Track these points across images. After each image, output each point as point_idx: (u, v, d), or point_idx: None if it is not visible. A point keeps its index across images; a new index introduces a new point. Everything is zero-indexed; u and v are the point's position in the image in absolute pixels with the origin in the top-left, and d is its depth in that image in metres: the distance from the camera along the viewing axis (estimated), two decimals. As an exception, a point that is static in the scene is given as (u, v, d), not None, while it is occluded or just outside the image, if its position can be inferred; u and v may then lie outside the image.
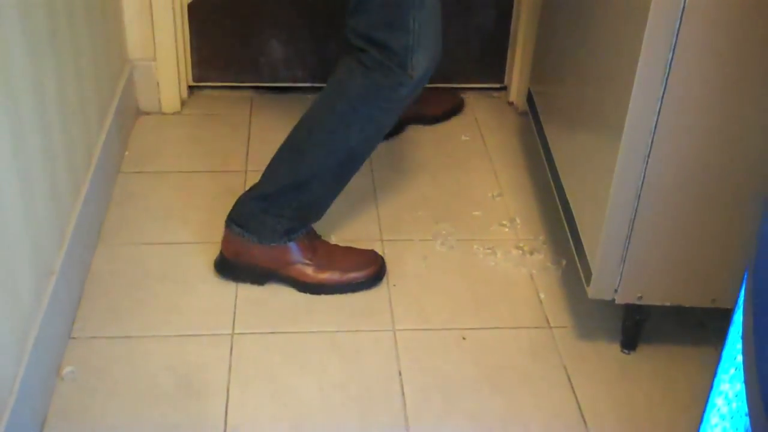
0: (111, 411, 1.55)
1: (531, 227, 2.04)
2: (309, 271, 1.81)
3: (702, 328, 1.77)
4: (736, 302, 0.92)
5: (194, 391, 1.59)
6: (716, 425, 0.91)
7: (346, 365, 1.66)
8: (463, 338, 1.74)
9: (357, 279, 1.83)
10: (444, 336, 1.74)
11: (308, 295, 1.82)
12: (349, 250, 1.87)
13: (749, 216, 1.52)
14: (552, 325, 1.78)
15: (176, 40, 2.34)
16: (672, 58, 1.40)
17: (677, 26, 1.38)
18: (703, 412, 0.97)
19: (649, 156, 1.48)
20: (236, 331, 1.73)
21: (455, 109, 2.45)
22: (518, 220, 2.06)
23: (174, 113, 2.42)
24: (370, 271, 1.84)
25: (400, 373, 1.65)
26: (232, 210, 1.83)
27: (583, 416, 1.59)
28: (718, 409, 0.91)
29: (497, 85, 2.56)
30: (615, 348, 1.73)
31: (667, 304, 1.63)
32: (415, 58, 1.61)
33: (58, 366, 1.61)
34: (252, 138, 2.33)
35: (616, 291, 1.62)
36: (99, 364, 1.64)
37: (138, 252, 1.91)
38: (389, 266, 1.90)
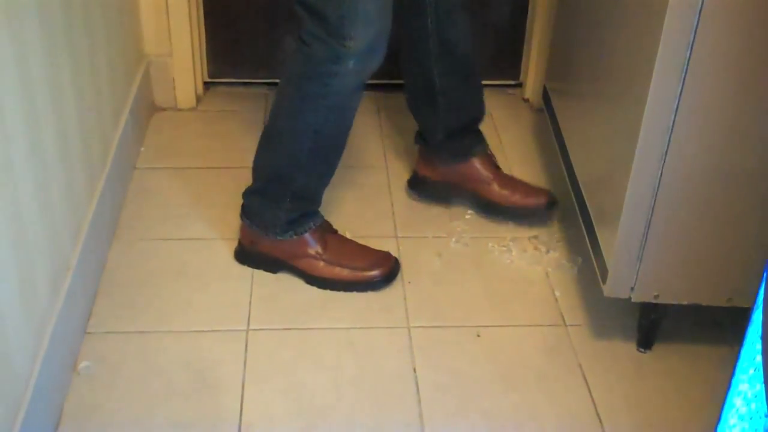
0: (126, 406, 1.55)
1: (546, 225, 2.03)
2: (319, 265, 1.81)
3: (718, 327, 1.76)
4: (753, 301, 0.91)
5: (209, 386, 1.60)
6: (734, 426, 0.91)
7: (360, 362, 1.66)
8: (478, 336, 1.74)
9: (366, 278, 1.82)
10: (459, 333, 1.74)
11: (323, 292, 1.82)
12: (363, 248, 1.86)
13: (767, 214, 1.51)
14: (567, 323, 1.78)
15: (192, 36, 2.35)
16: (690, 56, 1.39)
17: (695, 23, 1.37)
18: (721, 412, 0.96)
19: (666, 154, 1.48)
20: (251, 327, 1.73)
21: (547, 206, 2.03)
22: (534, 218, 2.05)
23: (189, 109, 2.42)
24: (381, 271, 1.83)
25: (414, 370, 1.65)
26: (242, 202, 1.86)
27: (598, 415, 1.58)
28: (737, 410, 0.90)
29: (512, 82, 2.55)
30: (631, 347, 1.72)
31: (684, 302, 1.62)
32: (353, 29, 1.57)
33: (74, 361, 1.62)
34: (267, 134, 2.32)
35: (632, 289, 1.61)
36: (114, 359, 1.64)
37: (153, 248, 1.92)
38: (404, 263, 1.89)
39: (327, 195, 1.86)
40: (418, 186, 2.07)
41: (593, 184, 1.77)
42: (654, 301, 1.62)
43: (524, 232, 2.01)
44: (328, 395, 1.59)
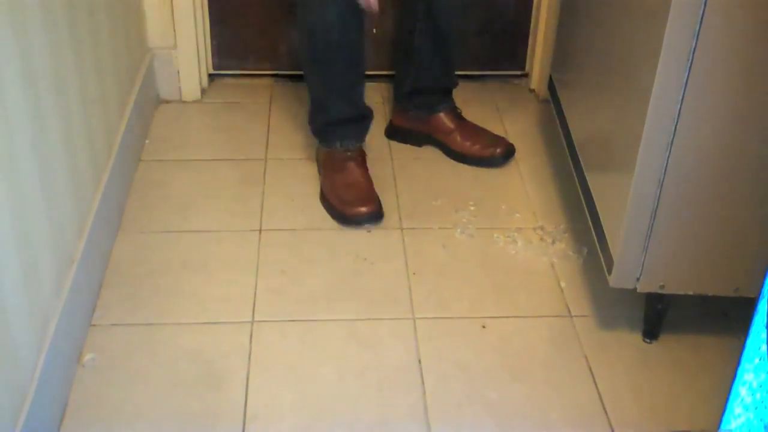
0: (131, 398, 1.55)
1: (552, 216, 2.03)
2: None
3: (725, 317, 1.75)
4: (759, 291, 0.91)
5: (214, 378, 1.60)
6: (739, 415, 0.90)
7: (365, 353, 1.66)
8: (483, 327, 1.73)
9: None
10: (464, 324, 1.73)
11: (328, 283, 1.82)
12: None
13: (774, 204, 1.51)
14: (573, 314, 1.77)
15: (196, 29, 2.34)
16: (696, 45, 1.38)
17: (701, 12, 1.35)
18: (726, 402, 0.96)
19: (671, 143, 1.47)
20: (256, 319, 1.73)
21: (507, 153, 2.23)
22: (539, 209, 2.05)
23: (194, 101, 2.42)
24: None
25: (419, 362, 1.65)
26: None
27: (604, 405, 1.58)
28: (742, 400, 0.90)
29: (518, 72, 2.54)
30: (636, 337, 1.71)
31: (690, 293, 1.61)
32: None
33: (78, 353, 1.62)
34: (272, 126, 2.32)
35: (637, 280, 1.60)
36: (119, 351, 1.64)
37: (158, 240, 1.92)
38: (408, 254, 1.89)
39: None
40: (393, 134, 2.28)
41: (599, 174, 1.76)
42: (660, 292, 1.62)
43: (529, 223, 2.00)
44: (333, 387, 1.59)
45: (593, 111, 1.84)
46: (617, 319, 1.75)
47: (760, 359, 0.85)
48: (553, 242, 1.94)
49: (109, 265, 1.84)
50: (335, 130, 2.04)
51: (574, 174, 1.90)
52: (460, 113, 2.23)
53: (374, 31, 2.40)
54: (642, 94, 1.47)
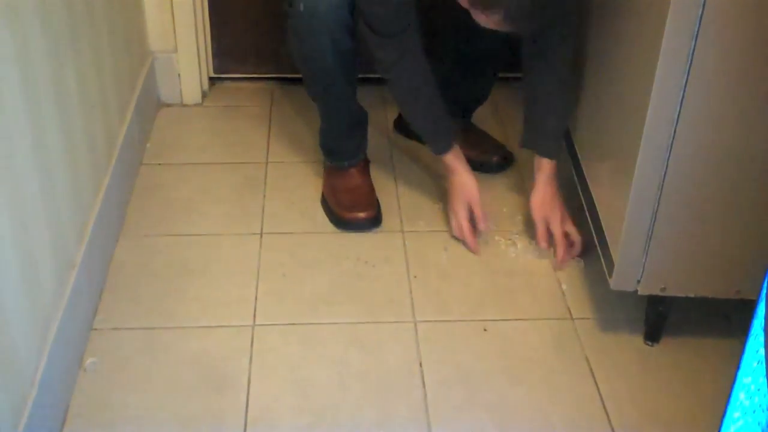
0: (133, 402, 1.55)
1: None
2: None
3: (726, 319, 1.75)
4: (760, 294, 0.91)
5: (215, 382, 1.60)
6: (738, 419, 0.90)
7: (366, 357, 1.66)
8: (485, 330, 1.73)
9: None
10: (465, 327, 1.73)
11: (329, 286, 1.82)
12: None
13: (774, 206, 1.50)
14: (574, 316, 1.77)
15: (197, 32, 2.34)
16: (694, 46, 1.38)
17: (700, 12, 1.35)
18: (726, 405, 0.96)
19: (671, 145, 1.47)
20: (257, 323, 1.73)
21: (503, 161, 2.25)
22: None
23: (195, 105, 2.42)
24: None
25: (420, 365, 1.65)
26: None
27: (605, 408, 1.57)
28: (741, 403, 0.90)
29: (518, 75, 2.53)
30: (638, 340, 1.71)
31: (691, 295, 1.61)
32: None
33: (80, 357, 1.62)
34: (273, 129, 2.32)
35: (638, 282, 1.60)
36: (121, 355, 1.64)
37: (160, 244, 1.92)
38: (410, 258, 1.89)
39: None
40: (401, 127, 2.30)
41: (599, 176, 1.76)
42: (661, 294, 1.62)
43: (530, 226, 2.00)
44: (334, 390, 1.59)
45: (593, 113, 1.84)
46: (618, 321, 1.75)
47: (758, 363, 0.85)
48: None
49: (110, 268, 1.84)
50: (339, 147, 2.04)
51: (575, 175, 1.90)
52: (469, 118, 2.24)
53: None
54: (641, 96, 1.47)
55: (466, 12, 1.62)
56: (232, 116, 2.39)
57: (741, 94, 1.42)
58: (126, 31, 2.09)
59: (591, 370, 1.65)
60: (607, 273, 1.64)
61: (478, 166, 2.15)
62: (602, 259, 1.67)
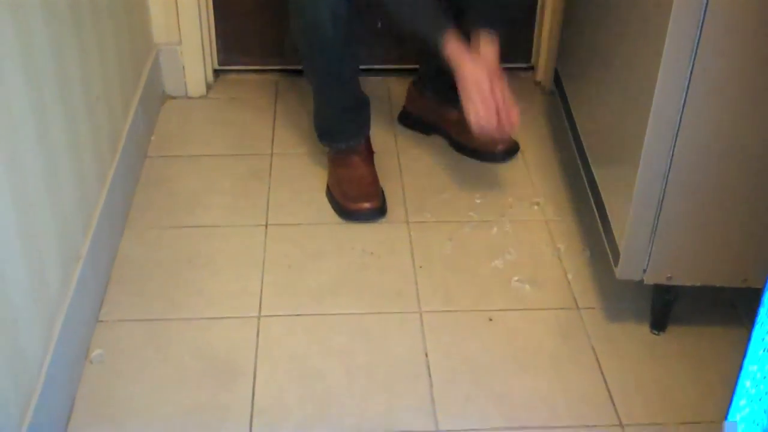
0: (139, 394, 1.56)
1: (558, 207, 2.02)
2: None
3: (733, 308, 1.74)
4: (766, 282, 0.90)
5: (221, 373, 1.60)
6: (744, 407, 0.90)
7: (372, 347, 1.66)
8: (490, 320, 1.73)
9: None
10: (471, 318, 1.73)
11: (334, 277, 1.82)
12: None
13: (781, 194, 1.50)
14: (580, 306, 1.77)
15: (201, 24, 2.34)
16: (700, 35, 1.37)
17: (705, 3, 1.35)
18: (733, 393, 0.96)
19: (677, 134, 1.46)
20: (262, 314, 1.73)
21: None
22: (545, 201, 2.04)
23: (200, 97, 2.42)
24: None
25: (426, 355, 1.65)
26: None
27: (611, 397, 1.57)
28: (747, 391, 0.90)
29: (524, 65, 2.53)
30: (644, 329, 1.71)
31: (697, 284, 1.61)
32: None
33: (86, 349, 1.62)
34: (277, 121, 2.32)
35: (644, 271, 1.60)
36: (127, 347, 1.65)
37: (165, 236, 1.92)
38: (415, 248, 1.89)
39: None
40: (404, 119, 2.30)
41: (604, 166, 1.76)
42: (667, 283, 1.61)
43: (536, 215, 2.00)
44: (340, 381, 1.59)
45: (598, 103, 1.83)
46: (624, 310, 1.75)
47: (764, 350, 0.85)
48: (560, 234, 1.94)
49: (115, 261, 1.84)
50: (338, 128, 2.04)
51: (580, 166, 1.89)
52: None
53: (378, 24, 2.40)
54: (647, 85, 1.46)
55: None
56: (236, 108, 2.39)
57: (745, 84, 1.41)
58: (130, 23, 2.09)
59: (597, 359, 1.65)
60: (612, 262, 1.64)
61: (483, 156, 2.16)
62: (608, 249, 1.67)
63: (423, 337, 1.69)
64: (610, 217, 1.67)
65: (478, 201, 2.04)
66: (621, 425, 1.53)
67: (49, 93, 1.49)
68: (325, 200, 2.03)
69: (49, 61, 1.49)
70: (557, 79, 2.18)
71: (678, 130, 1.46)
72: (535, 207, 2.02)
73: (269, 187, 2.07)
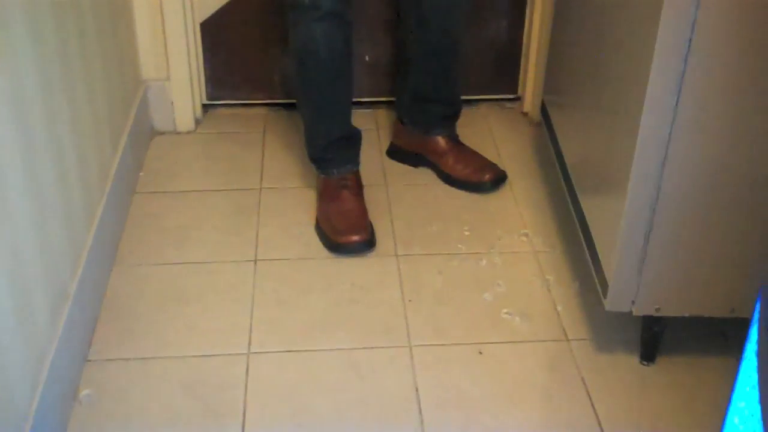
0: (128, 433, 1.55)
1: (546, 239, 2.03)
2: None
3: (723, 337, 1.75)
4: (753, 316, 0.91)
5: (211, 411, 1.59)
6: (733, 443, 0.90)
7: (362, 383, 1.66)
8: (480, 353, 1.73)
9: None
10: (460, 351, 1.73)
11: (323, 313, 1.81)
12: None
13: None
14: (570, 337, 1.77)
15: (189, 60, 2.35)
16: (685, 68, 1.39)
17: (690, 33, 1.36)
18: (721, 429, 0.95)
19: (663, 165, 1.47)
20: (252, 351, 1.72)
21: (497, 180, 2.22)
22: (533, 233, 2.05)
23: (188, 132, 2.43)
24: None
25: (417, 390, 1.64)
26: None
27: (602, 429, 1.57)
28: (736, 427, 0.89)
29: (511, 96, 2.55)
30: (634, 360, 1.71)
31: (685, 315, 1.61)
32: None
33: (74, 389, 1.61)
34: (266, 155, 2.33)
35: (633, 303, 1.60)
36: (116, 386, 1.64)
37: (154, 272, 1.92)
38: (404, 282, 1.89)
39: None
40: (393, 153, 2.32)
41: (592, 197, 1.76)
42: (656, 314, 1.61)
43: (524, 247, 2.00)
44: (330, 417, 1.59)
45: (585, 134, 1.84)
46: (614, 342, 1.75)
47: (751, 387, 0.85)
48: (549, 266, 1.94)
49: (104, 299, 1.83)
50: (329, 155, 2.05)
51: (567, 197, 1.90)
52: (457, 138, 2.25)
53: (366, 58, 2.41)
54: (633, 117, 1.47)
55: None
56: (225, 143, 2.39)
57: (733, 113, 1.42)
58: (118, 59, 2.10)
59: (587, 391, 1.65)
60: (601, 294, 1.64)
61: (472, 186, 2.16)
62: (596, 280, 1.67)
63: (413, 372, 1.68)
64: (598, 248, 1.68)
65: (467, 233, 2.04)
66: (612, 458, 1.53)
67: (38, 129, 1.49)
68: (314, 234, 2.03)
69: (37, 99, 1.49)
70: (544, 110, 2.19)
71: (665, 161, 1.47)
72: (524, 238, 2.03)
73: (258, 222, 2.08)
